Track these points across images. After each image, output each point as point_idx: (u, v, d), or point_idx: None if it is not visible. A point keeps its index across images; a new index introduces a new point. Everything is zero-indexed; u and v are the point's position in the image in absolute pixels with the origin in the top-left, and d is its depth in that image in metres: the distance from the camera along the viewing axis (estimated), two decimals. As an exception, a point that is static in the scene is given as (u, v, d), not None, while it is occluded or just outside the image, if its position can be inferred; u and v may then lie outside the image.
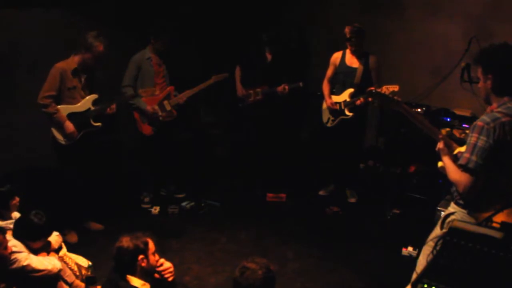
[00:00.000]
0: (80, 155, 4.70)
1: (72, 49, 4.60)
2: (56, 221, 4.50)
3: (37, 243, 3.47)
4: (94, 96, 4.66)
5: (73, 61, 4.54)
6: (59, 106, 4.52)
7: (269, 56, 5.83)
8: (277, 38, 5.86)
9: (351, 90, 5.30)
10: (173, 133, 5.59)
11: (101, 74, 4.94)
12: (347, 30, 5.19)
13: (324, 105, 5.53)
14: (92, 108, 4.64)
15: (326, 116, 5.54)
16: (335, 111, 5.41)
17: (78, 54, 4.54)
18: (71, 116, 4.56)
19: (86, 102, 4.63)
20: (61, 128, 4.54)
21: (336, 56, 5.43)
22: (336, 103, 5.39)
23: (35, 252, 3.46)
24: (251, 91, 5.89)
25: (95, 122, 4.68)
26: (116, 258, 2.92)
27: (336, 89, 5.45)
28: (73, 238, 4.77)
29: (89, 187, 4.89)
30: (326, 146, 5.86)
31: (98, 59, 4.56)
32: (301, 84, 5.66)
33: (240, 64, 6.00)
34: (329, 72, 5.48)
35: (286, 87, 5.67)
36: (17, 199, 3.73)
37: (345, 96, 5.34)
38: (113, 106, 4.76)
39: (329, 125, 5.51)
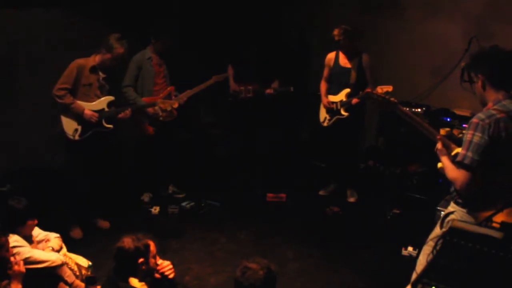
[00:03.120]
0: (89, 153, 4.73)
1: (86, 49, 4.70)
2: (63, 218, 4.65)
3: (26, 228, 3.50)
4: (110, 98, 4.72)
5: (94, 59, 4.60)
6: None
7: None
8: (261, 35, 5.91)
9: (347, 90, 5.31)
10: (173, 133, 5.58)
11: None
12: (335, 32, 5.17)
13: (322, 105, 5.55)
14: (107, 109, 4.70)
15: (323, 115, 5.55)
16: (332, 110, 5.42)
17: (99, 53, 4.60)
18: None
19: (101, 102, 4.68)
20: (79, 117, 4.55)
21: (330, 57, 5.44)
22: (332, 102, 5.40)
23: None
24: (243, 88, 5.92)
25: (107, 123, 4.71)
26: (117, 258, 2.91)
27: (333, 89, 5.45)
28: (78, 234, 4.81)
29: (97, 185, 4.93)
30: (326, 146, 5.87)
31: (117, 61, 4.62)
32: (291, 89, 5.73)
33: (231, 62, 6.04)
34: (325, 72, 5.51)
35: (274, 90, 5.77)
36: (17, 199, 3.74)
37: (341, 96, 5.35)
38: (128, 111, 4.80)
39: (325, 124, 5.52)
